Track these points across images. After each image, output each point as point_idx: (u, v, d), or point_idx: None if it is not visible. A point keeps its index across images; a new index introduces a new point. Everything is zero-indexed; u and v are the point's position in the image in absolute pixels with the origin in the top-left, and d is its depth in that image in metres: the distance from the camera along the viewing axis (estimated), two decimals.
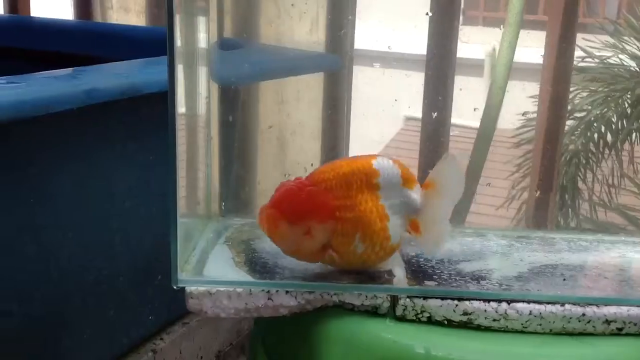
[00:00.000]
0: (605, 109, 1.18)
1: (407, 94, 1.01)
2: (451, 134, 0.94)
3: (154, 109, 0.72)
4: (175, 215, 0.48)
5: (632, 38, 1.10)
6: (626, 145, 1.16)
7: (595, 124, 1.18)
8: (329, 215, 0.47)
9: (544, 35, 0.97)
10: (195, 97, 0.57)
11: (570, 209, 1.05)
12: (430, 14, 0.87)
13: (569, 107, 1.24)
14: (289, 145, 0.82)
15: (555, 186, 0.98)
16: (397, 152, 1.02)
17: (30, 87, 0.55)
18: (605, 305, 0.49)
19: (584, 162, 1.16)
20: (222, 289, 0.48)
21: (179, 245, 0.49)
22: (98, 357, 0.72)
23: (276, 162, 0.79)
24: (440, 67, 0.99)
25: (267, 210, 0.47)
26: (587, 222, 1.02)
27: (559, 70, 0.95)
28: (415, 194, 0.50)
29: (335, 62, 0.97)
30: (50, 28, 1.19)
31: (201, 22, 0.59)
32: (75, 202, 0.64)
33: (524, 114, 0.98)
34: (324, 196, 0.47)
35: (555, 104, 0.97)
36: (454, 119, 0.98)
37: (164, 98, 0.70)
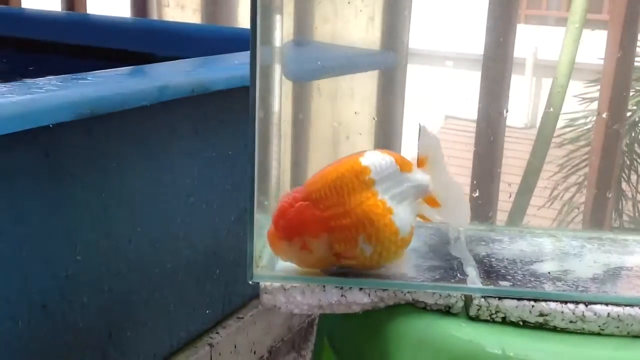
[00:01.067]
0: None
1: (453, 92, 1.00)
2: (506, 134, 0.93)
3: (218, 105, 0.73)
4: (252, 211, 0.48)
5: None
6: None
7: None
8: (320, 228, 0.47)
9: (603, 35, 0.95)
10: (270, 95, 0.57)
11: (613, 210, 1.03)
12: None
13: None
14: (343, 144, 0.82)
15: (613, 186, 0.96)
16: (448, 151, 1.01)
17: (107, 84, 0.56)
18: None
19: (628, 163, 1.13)
20: (296, 285, 0.49)
21: (255, 240, 0.49)
22: (158, 350, 0.73)
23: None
24: (495, 66, 0.99)
25: (268, 230, 0.48)
26: (633, 223, 1.01)
27: (619, 70, 0.94)
28: (418, 174, 0.50)
29: (391, 59, 0.97)
30: (106, 25, 1.22)
31: (277, 20, 0.60)
32: (145, 196, 0.65)
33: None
34: (314, 209, 0.47)
35: (615, 103, 0.95)
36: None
37: (227, 95, 0.71)
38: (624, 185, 1.08)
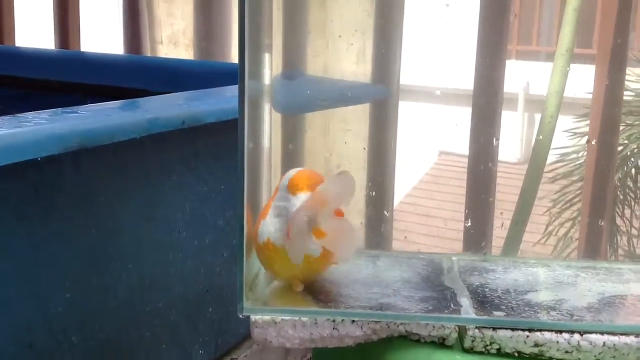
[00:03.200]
0: None
1: (445, 128, 1.01)
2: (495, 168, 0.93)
3: (210, 140, 0.73)
4: (242, 242, 0.48)
5: None
6: None
7: (632, 159, 1.16)
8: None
9: (590, 69, 0.97)
10: (260, 127, 0.57)
11: (608, 245, 1.03)
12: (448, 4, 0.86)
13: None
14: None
15: (607, 219, 0.96)
16: (438, 187, 1.02)
17: (96, 116, 0.56)
18: None
19: (621, 197, 1.13)
20: (287, 318, 0.48)
21: (245, 274, 0.48)
22: None
23: None
24: (485, 102, 1.00)
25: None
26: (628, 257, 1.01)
27: (607, 104, 0.95)
28: (298, 200, 0.49)
29: (382, 92, 0.97)
30: (99, 62, 1.22)
31: (267, 54, 0.60)
32: (136, 232, 0.64)
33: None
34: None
35: (605, 136, 0.96)
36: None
37: (220, 129, 0.71)
38: (618, 220, 1.08)
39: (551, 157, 1.08)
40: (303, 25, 0.97)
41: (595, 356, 0.47)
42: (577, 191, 1.06)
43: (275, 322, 0.48)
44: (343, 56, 0.95)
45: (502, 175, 0.90)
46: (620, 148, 1.20)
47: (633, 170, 1.18)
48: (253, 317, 0.48)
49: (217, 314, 0.79)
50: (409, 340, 0.49)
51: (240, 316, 0.48)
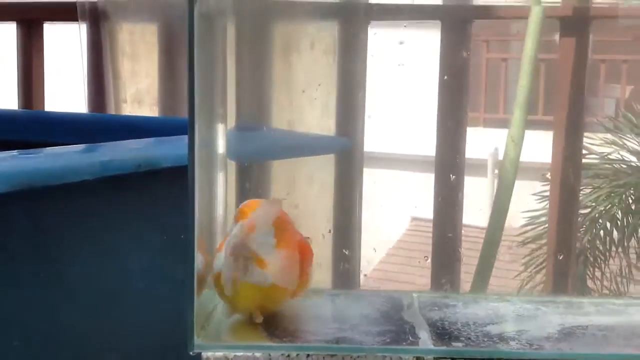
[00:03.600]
0: (610, 205, 1.18)
1: (414, 194, 1.02)
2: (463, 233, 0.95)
3: (168, 187, 0.72)
4: (193, 277, 0.47)
5: (632, 134, 1.13)
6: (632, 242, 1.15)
7: (600, 221, 1.18)
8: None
9: (550, 135, 1.00)
10: (213, 174, 0.58)
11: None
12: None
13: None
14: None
15: (570, 283, 0.98)
16: (406, 252, 1.03)
17: (47, 157, 0.55)
18: None
19: (591, 260, 1.15)
20: (239, 354, 0.46)
21: (195, 310, 0.47)
22: None
23: None
24: (448, 167, 1.02)
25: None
26: None
27: (567, 168, 0.98)
28: (235, 229, 0.49)
29: (345, 144, 0.99)
30: (63, 121, 1.22)
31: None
32: (90, 282, 0.62)
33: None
34: None
35: (565, 200, 0.98)
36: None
37: (178, 176, 0.70)
38: (589, 282, 1.09)
39: (522, 220, 1.10)
40: (267, 80, 0.99)
41: None
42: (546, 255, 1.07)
43: (228, 359, 0.46)
44: (307, 110, 0.96)
45: (471, 240, 0.90)
46: (587, 210, 1.22)
47: (602, 232, 1.19)
48: (205, 354, 0.47)
49: None
50: None
51: (191, 353, 0.46)
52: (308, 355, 0.47)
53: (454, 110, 1.04)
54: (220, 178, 0.61)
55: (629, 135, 1.15)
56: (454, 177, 1.03)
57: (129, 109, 1.23)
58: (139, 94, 1.24)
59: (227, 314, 0.51)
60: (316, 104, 0.94)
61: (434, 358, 0.47)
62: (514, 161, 0.91)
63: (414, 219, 1.05)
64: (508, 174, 0.91)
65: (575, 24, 1.01)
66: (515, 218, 1.08)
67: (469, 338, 0.49)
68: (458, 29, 1.08)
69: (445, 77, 1.02)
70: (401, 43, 0.96)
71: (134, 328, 0.69)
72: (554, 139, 1.00)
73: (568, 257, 0.98)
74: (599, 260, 1.14)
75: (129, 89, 1.24)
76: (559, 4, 1.03)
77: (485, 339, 0.49)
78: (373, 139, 1.00)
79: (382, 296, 0.59)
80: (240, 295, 0.48)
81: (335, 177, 1.00)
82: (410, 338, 0.49)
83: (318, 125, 0.97)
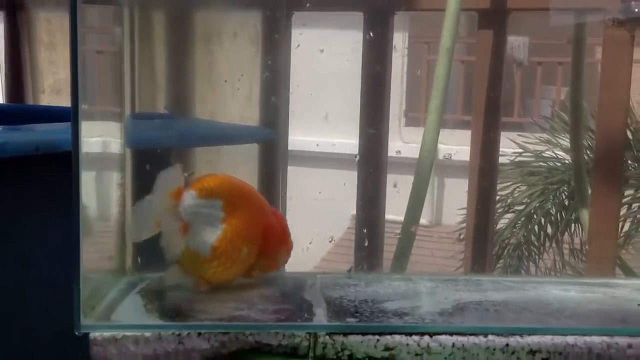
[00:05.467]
0: (544, 201, 1.22)
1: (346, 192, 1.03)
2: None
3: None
4: (80, 257, 0.45)
5: (565, 134, 1.16)
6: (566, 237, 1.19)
7: (535, 216, 1.21)
8: None
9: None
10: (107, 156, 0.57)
11: None
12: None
13: (509, 201, 1.28)
14: None
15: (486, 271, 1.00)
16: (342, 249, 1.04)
17: None
18: (529, 335, 0.47)
19: (526, 254, 1.18)
20: (128, 334, 0.45)
21: (84, 292, 0.46)
22: None
23: None
24: (372, 164, 1.03)
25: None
26: None
27: (485, 165, 1.00)
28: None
29: (269, 134, 0.98)
30: None
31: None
32: None
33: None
34: None
35: (483, 196, 1.01)
36: (391, 215, 1.01)
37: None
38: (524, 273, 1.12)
39: (458, 217, 1.11)
40: (187, 69, 0.98)
41: (445, 357, 0.47)
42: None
43: (116, 339, 0.45)
44: (230, 100, 0.96)
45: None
46: (522, 207, 1.25)
47: (536, 227, 1.22)
48: (92, 335, 0.45)
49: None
50: (260, 352, 0.47)
51: (77, 334, 0.45)
52: (199, 334, 0.46)
53: (377, 108, 1.05)
54: (115, 165, 0.60)
55: (563, 135, 1.18)
56: (374, 172, 1.04)
57: (47, 100, 1.20)
58: (57, 84, 1.21)
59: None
60: (239, 95, 0.93)
61: (326, 333, 0.47)
62: (429, 160, 0.93)
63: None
64: (424, 171, 0.92)
65: (492, 17, 1.04)
66: (453, 215, 1.09)
67: (364, 314, 0.50)
68: (381, 21, 1.09)
69: (368, 73, 1.03)
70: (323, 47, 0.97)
71: (41, 314, 0.67)
72: (472, 137, 1.02)
73: (484, 245, 1.01)
74: (534, 254, 1.17)
75: (47, 79, 1.20)
76: None
77: (380, 315, 0.50)
78: (296, 135, 1.00)
79: (287, 278, 0.59)
80: (183, 260, 0.51)
81: (259, 168, 1.00)
82: (306, 315, 0.49)
83: (241, 116, 0.96)
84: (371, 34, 1.05)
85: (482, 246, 1.00)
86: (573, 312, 0.52)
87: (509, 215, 1.23)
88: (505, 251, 1.19)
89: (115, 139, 0.59)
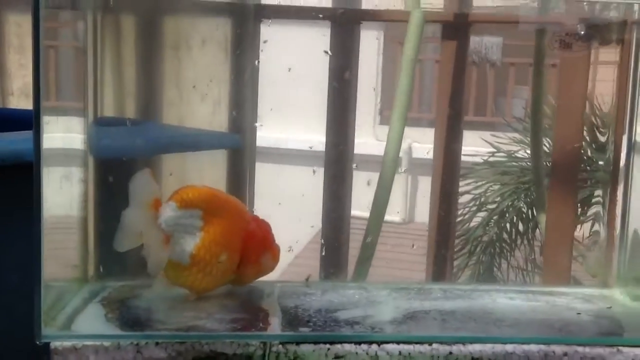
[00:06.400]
0: (516, 200, 1.25)
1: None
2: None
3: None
4: (40, 266, 0.47)
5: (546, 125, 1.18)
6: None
7: (507, 215, 1.24)
8: None
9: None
10: (70, 167, 0.58)
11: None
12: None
13: (482, 200, 1.31)
14: None
15: (449, 267, 1.03)
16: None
17: None
18: (471, 344, 0.50)
19: (498, 251, 1.21)
20: (88, 343, 0.47)
21: (46, 301, 0.48)
22: None
23: None
24: (340, 162, 1.05)
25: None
26: None
27: (447, 162, 1.03)
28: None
29: (235, 141, 1.00)
30: None
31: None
32: None
33: None
34: None
35: (445, 192, 1.03)
36: (357, 212, 1.03)
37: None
38: (496, 272, 1.14)
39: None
40: (154, 74, 0.99)
41: None
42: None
43: (76, 348, 0.47)
44: (198, 106, 0.97)
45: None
46: (494, 206, 1.28)
47: (508, 225, 1.25)
48: (53, 344, 0.47)
49: None
50: None
51: (38, 343, 0.47)
52: (157, 344, 0.48)
53: (343, 108, 1.07)
54: (78, 173, 0.61)
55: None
56: (341, 171, 1.06)
57: (16, 102, 1.20)
58: (26, 87, 1.21)
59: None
60: (207, 100, 0.95)
61: (279, 342, 0.49)
62: (393, 159, 0.95)
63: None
64: (388, 171, 0.94)
65: (455, 29, 1.06)
66: (426, 213, 1.10)
67: (317, 323, 0.52)
68: (347, 29, 1.11)
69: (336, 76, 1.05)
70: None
71: (12, 320, 0.68)
72: (435, 135, 1.04)
73: (446, 246, 1.03)
74: (505, 251, 1.20)
75: (17, 82, 1.20)
76: (441, 9, 1.08)
77: (332, 324, 0.52)
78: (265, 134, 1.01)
79: (246, 287, 0.61)
80: (166, 270, 0.53)
81: (227, 173, 1.01)
82: (261, 324, 0.52)
83: (209, 121, 0.97)
84: (337, 40, 1.07)
85: (443, 250, 1.02)
86: (515, 321, 0.55)
87: (481, 214, 1.25)
88: (478, 248, 1.21)
89: (78, 135, 0.61)
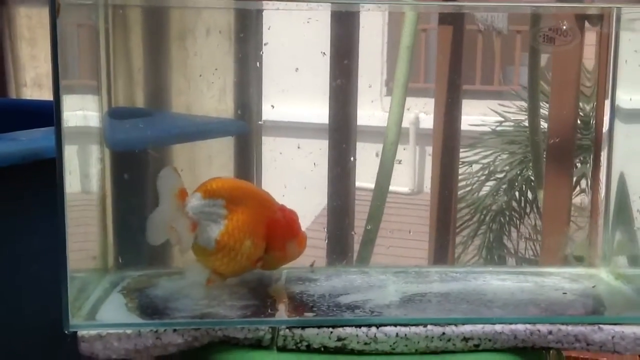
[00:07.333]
0: (525, 169, 1.28)
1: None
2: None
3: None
4: (66, 259, 0.51)
5: (543, 102, 1.21)
6: None
7: (516, 183, 1.27)
8: None
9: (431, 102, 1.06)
10: (88, 161, 0.62)
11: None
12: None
13: (490, 169, 1.34)
14: None
15: (452, 237, 1.06)
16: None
17: None
18: (463, 325, 0.54)
19: (508, 220, 1.24)
20: (112, 331, 0.52)
21: (71, 292, 0.52)
22: None
23: None
24: (342, 134, 1.08)
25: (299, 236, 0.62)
26: None
27: (447, 131, 1.05)
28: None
29: (242, 127, 1.03)
30: None
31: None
32: None
33: None
34: None
35: (446, 160, 1.06)
36: (363, 183, 1.06)
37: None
38: (505, 240, 1.16)
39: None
40: (164, 64, 1.02)
41: (390, 345, 0.54)
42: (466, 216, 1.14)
43: (101, 336, 0.52)
44: (205, 94, 1.00)
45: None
46: (502, 175, 1.31)
47: (517, 194, 1.28)
48: (80, 332, 0.52)
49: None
50: (228, 344, 0.54)
51: (66, 332, 0.51)
52: (174, 330, 0.53)
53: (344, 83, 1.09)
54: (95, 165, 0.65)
55: (542, 103, 1.23)
56: (345, 145, 1.09)
57: (29, 93, 1.24)
58: (38, 78, 1.25)
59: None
60: (214, 88, 0.98)
61: (286, 327, 0.54)
62: (394, 141, 0.98)
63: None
64: (389, 151, 0.97)
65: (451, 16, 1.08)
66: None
67: (321, 308, 0.57)
68: (347, 12, 1.13)
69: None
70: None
71: (25, 313, 0.73)
72: (435, 107, 1.06)
73: (447, 227, 1.07)
74: (514, 219, 1.23)
75: (29, 73, 1.24)
76: None
77: (335, 309, 0.57)
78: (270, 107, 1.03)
79: (255, 274, 0.65)
80: (196, 255, 0.58)
81: (235, 158, 1.05)
82: (269, 310, 0.56)
83: (216, 109, 1.01)
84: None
85: (443, 222, 1.05)
86: (505, 302, 0.59)
87: (490, 184, 1.27)
88: (488, 217, 1.23)
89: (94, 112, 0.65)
